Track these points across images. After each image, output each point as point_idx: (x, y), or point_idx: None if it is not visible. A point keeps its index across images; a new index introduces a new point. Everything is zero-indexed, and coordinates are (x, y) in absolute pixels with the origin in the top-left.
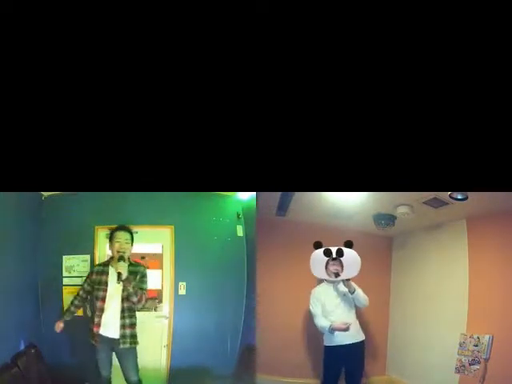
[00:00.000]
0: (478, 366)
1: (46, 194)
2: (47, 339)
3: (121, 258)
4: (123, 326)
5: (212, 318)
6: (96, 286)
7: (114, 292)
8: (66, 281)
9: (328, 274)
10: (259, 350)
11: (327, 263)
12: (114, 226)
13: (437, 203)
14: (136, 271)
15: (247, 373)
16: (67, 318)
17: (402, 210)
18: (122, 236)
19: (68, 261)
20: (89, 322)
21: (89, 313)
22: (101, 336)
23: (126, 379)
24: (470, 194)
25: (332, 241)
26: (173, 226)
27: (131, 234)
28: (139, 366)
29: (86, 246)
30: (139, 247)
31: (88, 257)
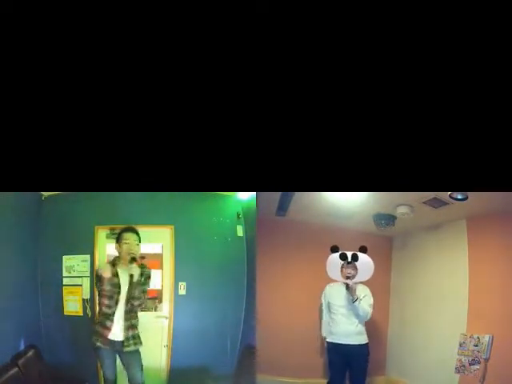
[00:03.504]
0: (477, 366)
1: (46, 193)
2: (47, 339)
3: (133, 260)
4: (127, 328)
5: (212, 317)
6: (108, 288)
7: (123, 294)
8: (66, 281)
9: (342, 277)
10: (259, 350)
11: (342, 266)
12: (115, 226)
13: (437, 203)
14: (142, 273)
15: (247, 373)
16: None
17: (401, 210)
18: (130, 237)
19: (68, 261)
20: (93, 324)
21: (89, 313)
22: (109, 340)
23: (130, 381)
24: (470, 194)
25: (332, 241)
26: (173, 226)
27: (139, 235)
28: None
29: (86, 245)
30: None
31: (88, 257)
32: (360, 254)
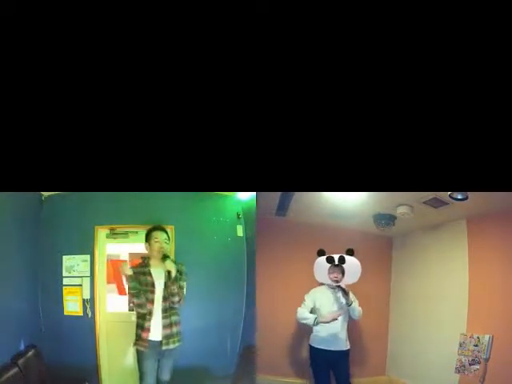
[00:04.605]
0: (477, 366)
1: (45, 193)
2: (47, 339)
3: (166, 257)
4: (167, 326)
5: (212, 318)
6: (143, 288)
7: (160, 293)
8: (66, 281)
9: (330, 280)
10: (259, 350)
11: (329, 269)
12: (115, 226)
13: (437, 203)
14: (177, 269)
15: (247, 373)
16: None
17: (401, 210)
18: (160, 236)
19: (68, 261)
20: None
21: (89, 313)
22: (149, 341)
23: (158, 378)
24: (470, 194)
25: (332, 241)
26: (173, 226)
27: (167, 233)
28: None
29: (86, 245)
30: (139, 247)
31: (88, 257)
32: (347, 257)
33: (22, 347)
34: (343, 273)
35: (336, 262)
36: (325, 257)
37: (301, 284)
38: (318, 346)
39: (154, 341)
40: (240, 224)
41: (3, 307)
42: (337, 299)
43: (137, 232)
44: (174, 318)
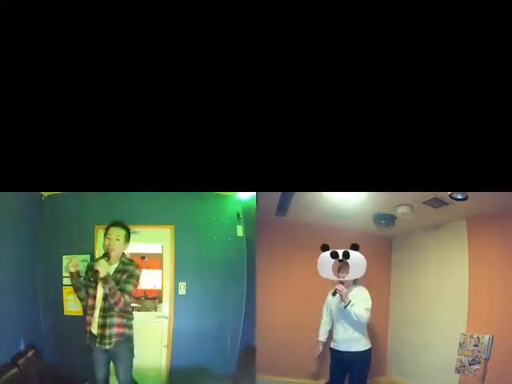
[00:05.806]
0: (477, 366)
1: (45, 193)
2: (47, 339)
3: (104, 256)
4: (100, 326)
5: (212, 318)
6: (89, 283)
7: (101, 290)
8: (66, 281)
9: (334, 275)
10: (259, 350)
11: (334, 265)
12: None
13: (437, 203)
14: (124, 270)
15: (247, 373)
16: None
17: (401, 210)
18: (113, 232)
19: (68, 261)
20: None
21: None
22: (93, 335)
23: (116, 378)
24: (470, 193)
25: (332, 241)
26: (173, 226)
27: (126, 230)
28: (139, 366)
29: (86, 246)
30: (139, 247)
31: (88, 257)
32: (351, 252)
33: (22, 347)
34: (348, 268)
35: (340, 257)
36: (329, 252)
37: (301, 284)
38: (334, 347)
39: (94, 335)
40: (240, 224)
41: (3, 307)
42: (338, 302)
43: (137, 232)
44: (109, 320)
